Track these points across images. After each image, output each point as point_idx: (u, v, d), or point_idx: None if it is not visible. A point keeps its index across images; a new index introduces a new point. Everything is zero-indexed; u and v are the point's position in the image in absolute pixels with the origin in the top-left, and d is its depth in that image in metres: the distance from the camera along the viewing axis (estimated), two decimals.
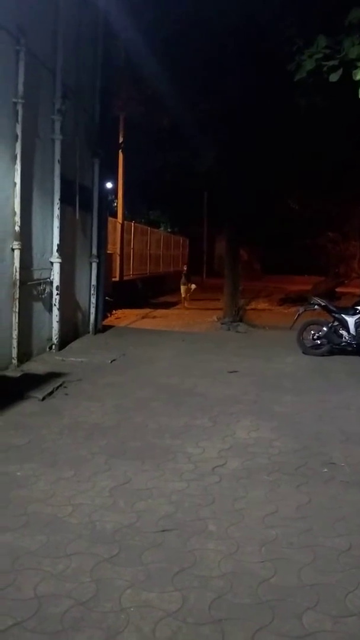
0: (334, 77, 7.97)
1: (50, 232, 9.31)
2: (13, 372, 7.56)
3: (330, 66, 7.97)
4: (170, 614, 2.72)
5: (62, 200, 9.47)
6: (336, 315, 9.90)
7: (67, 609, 2.72)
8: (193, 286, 20.35)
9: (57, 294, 9.39)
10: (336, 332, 9.81)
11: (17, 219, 7.80)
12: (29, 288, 8.50)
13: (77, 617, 2.67)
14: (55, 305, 9.37)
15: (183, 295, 20.10)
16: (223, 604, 2.81)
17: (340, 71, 7.90)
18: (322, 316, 10.61)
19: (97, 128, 11.86)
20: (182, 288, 20.13)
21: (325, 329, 9.86)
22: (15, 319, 7.78)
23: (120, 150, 18.16)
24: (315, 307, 10.37)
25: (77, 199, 10.57)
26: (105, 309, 13.67)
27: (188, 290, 20.09)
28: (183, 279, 20.37)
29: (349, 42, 7.81)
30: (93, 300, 11.88)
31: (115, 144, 16.34)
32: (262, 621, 2.68)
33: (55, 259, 9.37)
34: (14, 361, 7.78)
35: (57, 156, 9.36)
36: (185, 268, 22.47)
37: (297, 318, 10.69)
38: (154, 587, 2.93)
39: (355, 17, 7.78)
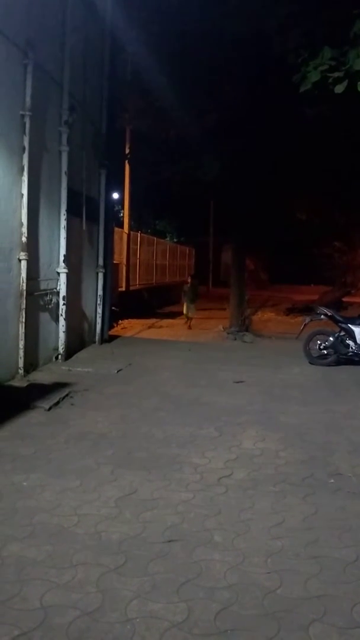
0: (339, 89, 7.99)
1: (57, 243, 9.37)
2: (19, 382, 7.58)
3: (336, 78, 8.00)
4: (176, 625, 2.71)
5: (68, 211, 9.53)
6: (343, 325, 9.88)
7: (73, 620, 2.72)
8: (184, 308, 16.80)
9: (64, 304, 9.42)
10: (343, 342, 9.78)
11: (24, 230, 7.85)
12: (36, 298, 8.54)
13: (82, 627, 2.67)
14: (61, 315, 9.40)
15: (184, 312, 16.92)
16: (229, 615, 2.80)
17: (345, 82, 7.92)
18: (328, 326, 10.59)
19: (104, 139, 11.95)
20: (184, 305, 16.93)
21: (331, 339, 9.83)
22: (22, 329, 7.81)
23: (126, 161, 18.25)
24: (322, 317, 10.36)
25: (83, 209, 10.64)
26: (112, 318, 13.70)
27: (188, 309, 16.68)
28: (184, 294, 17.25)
29: (354, 54, 7.83)
30: (99, 310, 11.91)
31: (122, 155, 16.43)
32: (268, 633, 2.67)
33: (62, 269, 9.41)
34: (21, 371, 7.81)
35: (64, 168, 9.43)
36: (189, 279, 18.60)
37: (303, 328, 10.68)
38: (159, 597, 2.93)
39: None
